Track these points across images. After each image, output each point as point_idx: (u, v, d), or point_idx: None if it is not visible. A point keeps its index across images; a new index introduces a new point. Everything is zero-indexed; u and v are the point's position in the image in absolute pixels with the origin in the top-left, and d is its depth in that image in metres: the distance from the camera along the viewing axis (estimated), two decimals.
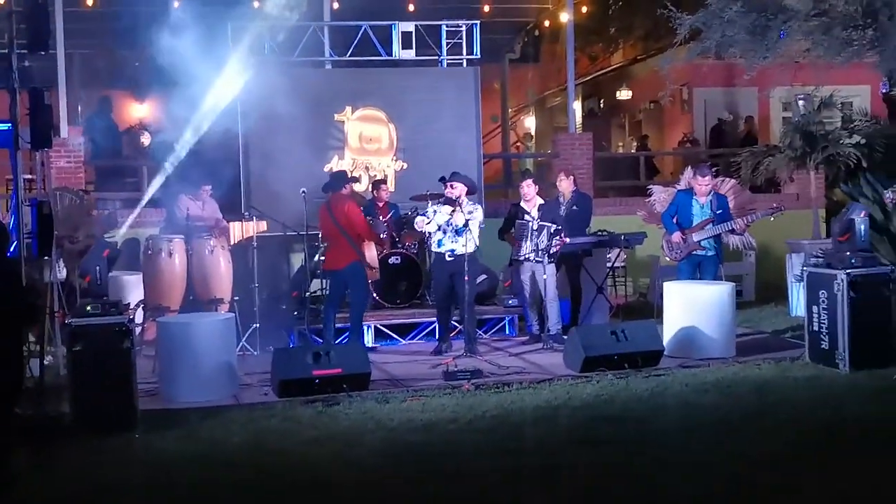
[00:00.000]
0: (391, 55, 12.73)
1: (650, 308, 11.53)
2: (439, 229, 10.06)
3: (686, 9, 12.85)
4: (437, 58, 12.97)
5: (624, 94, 22.44)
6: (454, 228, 9.99)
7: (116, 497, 6.10)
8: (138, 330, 9.52)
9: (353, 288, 10.05)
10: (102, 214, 12.07)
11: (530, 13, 17.72)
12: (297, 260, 12.28)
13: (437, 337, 10.43)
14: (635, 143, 21.71)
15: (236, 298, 10.37)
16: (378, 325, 10.82)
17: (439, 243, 10.10)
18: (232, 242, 10.69)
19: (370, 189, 11.84)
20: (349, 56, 12.84)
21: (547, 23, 18.08)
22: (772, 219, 10.77)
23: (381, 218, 11.09)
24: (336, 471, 6.42)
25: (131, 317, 7.80)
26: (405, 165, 12.53)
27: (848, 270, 8.73)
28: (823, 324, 8.95)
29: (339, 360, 8.46)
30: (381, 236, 10.75)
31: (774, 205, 11.04)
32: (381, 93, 12.57)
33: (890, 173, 12.56)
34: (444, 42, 12.82)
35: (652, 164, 19.14)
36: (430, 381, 8.80)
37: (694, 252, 10.39)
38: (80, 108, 16.70)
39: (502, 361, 9.66)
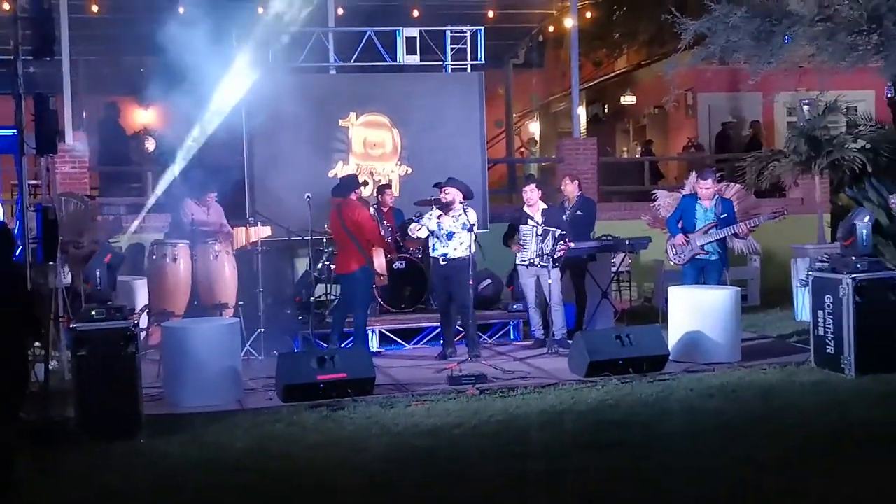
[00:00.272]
0: (395, 61, 12.74)
1: (655, 312, 11.53)
2: (432, 234, 10.10)
3: (690, 14, 12.86)
4: (441, 63, 12.98)
5: (628, 99, 22.44)
6: (446, 233, 10.02)
7: (121, 501, 6.10)
8: (143, 335, 9.53)
9: (358, 292, 10.06)
10: (107, 220, 12.09)
11: (534, 19, 17.71)
12: (302, 265, 12.29)
13: (441, 341, 10.43)
14: (640, 148, 21.70)
15: (241, 303, 10.38)
16: (383, 330, 10.82)
17: (433, 248, 10.14)
18: (236, 247, 10.71)
19: (375, 194, 11.86)
20: (354, 62, 12.85)
21: (551, 28, 18.08)
22: (774, 222, 10.76)
23: (385, 223, 11.09)
24: (341, 475, 6.41)
25: (136, 322, 7.81)
26: (410, 170, 12.53)
27: (853, 275, 8.70)
28: (829, 328, 8.93)
29: (343, 364, 8.46)
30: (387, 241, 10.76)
31: (776, 209, 11.04)
32: (385, 98, 12.58)
33: (895, 178, 12.55)
34: (448, 47, 12.83)
35: (656, 168, 19.15)
36: (434, 386, 8.79)
37: (697, 256, 10.39)
38: (84, 113, 16.72)
39: (507, 366, 9.66)
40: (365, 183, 11.63)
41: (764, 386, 8.50)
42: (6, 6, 10.16)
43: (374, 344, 10.62)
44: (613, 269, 11.68)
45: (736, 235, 10.71)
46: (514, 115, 20.89)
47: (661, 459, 6.54)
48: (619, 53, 22.88)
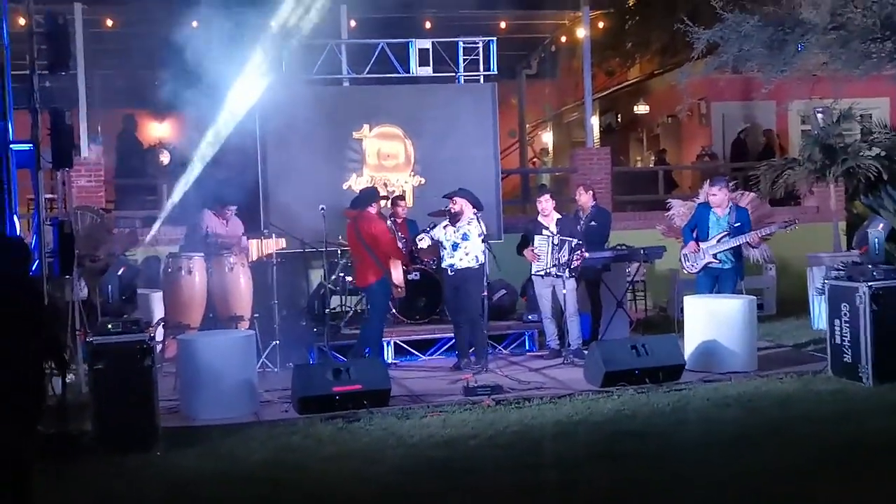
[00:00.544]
0: (408, 72, 12.77)
1: (670, 322, 11.49)
2: (441, 245, 10.12)
3: (703, 23, 12.84)
4: (454, 74, 13.01)
5: (641, 109, 22.43)
6: (452, 243, 10.04)
7: None
8: (159, 348, 9.56)
9: (375, 303, 10.09)
10: (123, 233, 12.15)
11: (547, 29, 17.74)
12: (317, 276, 12.31)
13: (456, 352, 10.42)
14: (653, 158, 21.67)
15: (256, 315, 10.40)
16: (398, 341, 10.82)
17: (442, 259, 10.16)
18: (251, 259, 10.74)
19: (388, 205, 11.87)
20: (367, 73, 12.89)
21: (563, 38, 18.08)
22: (787, 231, 10.72)
23: (399, 234, 11.11)
24: (357, 487, 6.41)
25: (152, 335, 7.83)
26: (423, 181, 12.55)
27: (870, 283, 8.66)
28: (846, 337, 8.88)
29: (358, 376, 8.46)
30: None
31: (787, 219, 10.99)
32: (398, 109, 12.61)
33: None
34: (461, 59, 12.86)
35: (670, 178, 19.11)
36: (450, 397, 8.79)
37: (710, 265, 10.35)
38: (99, 127, 16.82)
39: (522, 377, 9.65)
40: (385, 197, 11.66)
41: (781, 395, 8.46)
42: (21, 21, 10.23)
43: (389, 355, 10.64)
44: (628, 279, 11.65)
45: (748, 244, 10.68)
46: (527, 125, 20.90)
47: (676, 470, 6.52)
48: (631, 63, 22.84)
